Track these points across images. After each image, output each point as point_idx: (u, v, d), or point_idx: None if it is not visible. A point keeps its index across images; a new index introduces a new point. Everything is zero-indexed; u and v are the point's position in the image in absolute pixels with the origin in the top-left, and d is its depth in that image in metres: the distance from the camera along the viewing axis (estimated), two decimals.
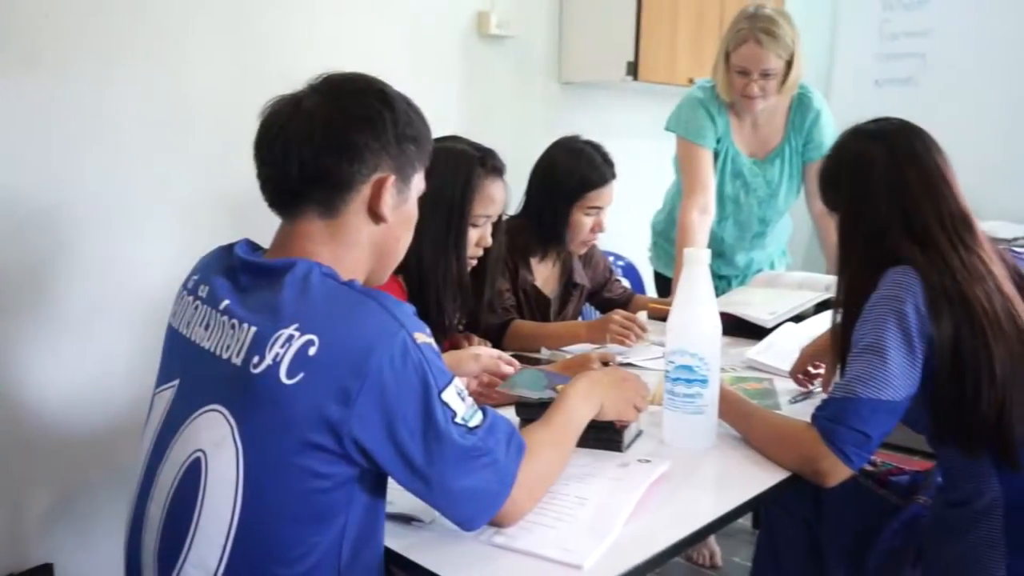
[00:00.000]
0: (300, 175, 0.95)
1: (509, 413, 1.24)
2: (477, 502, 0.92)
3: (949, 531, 1.21)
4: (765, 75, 2.02)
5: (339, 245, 0.97)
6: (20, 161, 1.66)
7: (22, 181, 1.67)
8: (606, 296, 2.19)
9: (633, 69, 2.64)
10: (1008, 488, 1.15)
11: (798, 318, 1.90)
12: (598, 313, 2.17)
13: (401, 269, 1.30)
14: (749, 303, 1.98)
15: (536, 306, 2.00)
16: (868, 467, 1.44)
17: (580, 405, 1.12)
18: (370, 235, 1.00)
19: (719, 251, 2.29)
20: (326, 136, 0.94)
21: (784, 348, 1.72)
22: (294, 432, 0.85)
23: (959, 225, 1.20)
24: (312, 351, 0.85)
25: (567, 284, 2.08)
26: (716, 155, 2.17)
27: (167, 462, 0.93)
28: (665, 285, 2.39)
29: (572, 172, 1.92)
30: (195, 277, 1.03)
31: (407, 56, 2.36)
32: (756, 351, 1.76)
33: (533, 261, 2.00)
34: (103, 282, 1.79)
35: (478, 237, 1.57)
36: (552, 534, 0.97)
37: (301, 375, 0.84)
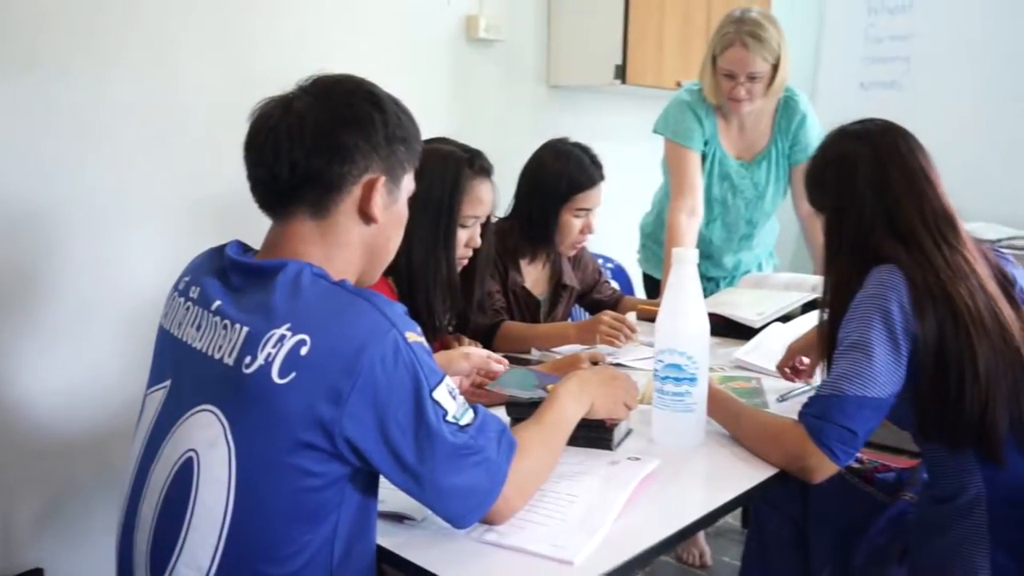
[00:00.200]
0: (291, 176, 0.95)
1: (500, 413, 1.25)
2: (468, 500, 0.93)
3: (934, 527, 1.22)
4: (751, 78, 2.03)
5: (330, 245, 0.98)
6: (12, 162, 1.65)
7: (14, 182, 1.66)
8: (595, 297, 2.20)
9: (621, 72, 2.66)
10: (992, 483, 1.17)
11: (785, 318, 1.91)
12: (587, 314, 2.18)
13: (391, 270, 1.31)
14: (737, 304, 2.00)
15: (526, 307, 2.01)
16: (855, 464, 1.45)
17: (570, 404, 1.13)
18: (361, 236, 1.00)
19: (707, 253, 2.30)
20: (316, 137, 0.95)
21: (772, 348, 1.74)
22: (286, 431, 0.85)
23: (943, 224, 1.22)
24: (304, 351, 0.85)
25: (557, 286, 2.09)
26: (704, 157, 2.19)
27: (159, 462, 0.93)
28: (654, 287, 2.41)
29: (561, 174, 1.93)
30: (186, 278, 1.03)
31: (396, 60, 2.37)
32: (744, 351, 1.77)
33: (523, 263, 2.01)
34: (94, 284, 1.78)
35: (467, 238, 1.58)
36: (543, 531, 0.98)
37: (293, 375, 0.85)
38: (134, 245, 1.84)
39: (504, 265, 1.96)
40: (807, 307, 1.95)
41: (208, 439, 0.89)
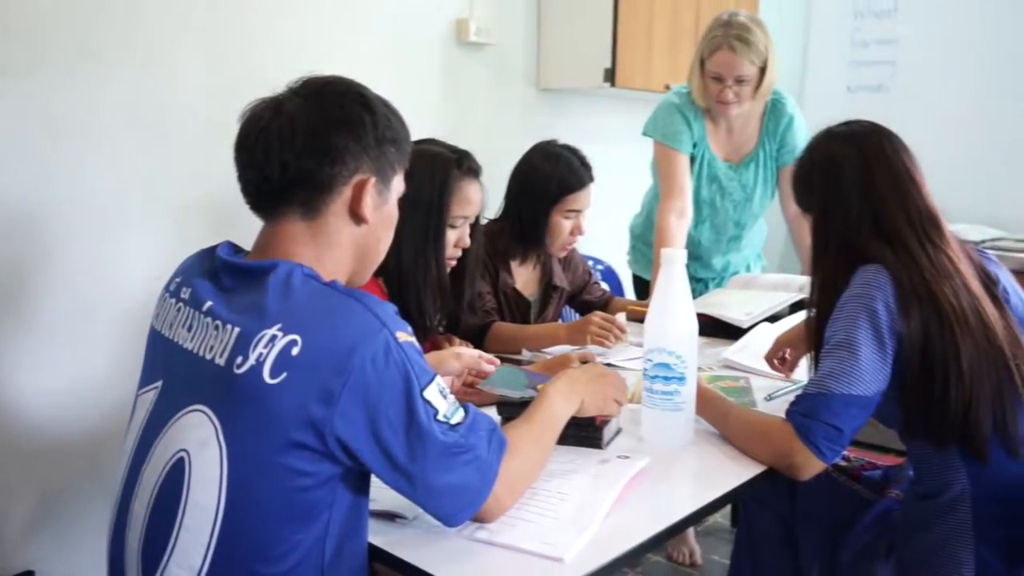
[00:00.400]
0: (281, 177, 0.96)
1: (491, 412, 1.26)
2: (459, 498, 0.94)
3: (920, 523, 1.24)
4: (739, 81, 2.05)
5: (320, 246, 0.98)
6: (7, 163, 1.65)
7: (8, 183, 1.66)
8: (585, 298, 2.21)
9: (610, 76, 2.67)
10: (976, 480, 1.18)
11: (773, 318, 1.93)
12: (578, 315, 2.19)
13: (381, 271, 1.31)
14: (726, 304, 2.01)
15: (516, 308, 2.02)
16: (842, 462, 1.47)
17: (561, 403, 1.14)
18: (351, 236, 1.01)
19: (696, 254, 2.32)
20: (307, 138, 0.95)
21: (760, 348, 1.75)
22: (278, 431, 0.85)
23: (927, 224, 1.24)
24: (295, 351, 0.86)
25: (547, 287, 2.10)
26: (692, 159, 2.20)
27: (151, 462, 0.94)
28: (643, 288, 2.42)
29: (550, 176, 1.94)
30: (177, 279, 1.04)
31: (387, 62, 2.37)
32: (732, 351, 1.79)
33: (513, 264, 2.02)
34: (87, 285, 1.78)
35: (456, 238, 1.59)
36: (533, 529, 0.99)
37: (284, 375, 0.85)
38: (127, 246, 1.83)
39: (495, 266, 1.97)
40: (795, 307, 1.96)
41: (200, 439, 0.89)
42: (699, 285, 2.36)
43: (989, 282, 1.25)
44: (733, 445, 1.28)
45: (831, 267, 1.27)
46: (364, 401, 0.86)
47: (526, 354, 1.84)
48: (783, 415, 1.21)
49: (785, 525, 1.48)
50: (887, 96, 3.54)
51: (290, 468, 0.86)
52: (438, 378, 0.93)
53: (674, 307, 1.26)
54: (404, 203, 1.09)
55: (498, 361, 1.37)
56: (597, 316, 1.84)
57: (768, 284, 2.14)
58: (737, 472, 1.20)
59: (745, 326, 1.90)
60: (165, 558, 0.89)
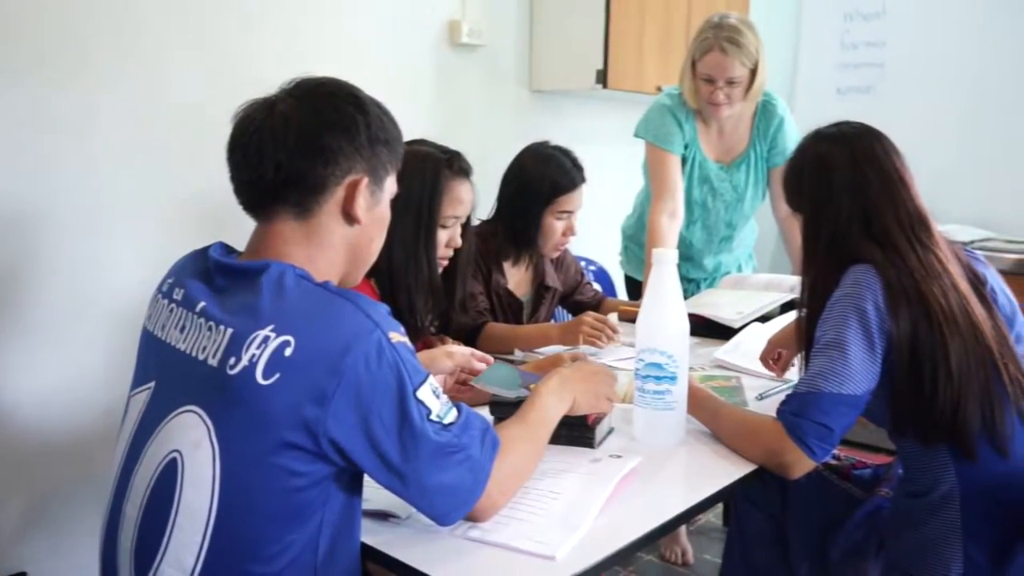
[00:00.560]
0: (275, 177, 0.96)
1: (484, 412, 1.26)
2: (452, 498, 0.94)
3: (909, 521, 1.24)
4: (730, 83, 2.06)
5: (313, 246, 0.99)
6: None
7: None
8: (577, 299, 2.22)
9: (602, 77, 2.68)
10: (964, 478, 1.19)
11: (764, 318, 1.94)
12: (570, 316, 2.20)
13: (372, 272, 1.32)
14: (717, 304, 2.02)
15: (509, 309, 2.02)
16: (832, 461, 1.48)
17: (553, 401, 1.14)
18: (344, 236, 1.01)
19: (688, 255, 2.33)
20: (301, 138, 0.96)
21: (751, 348, 1.76)
22: (271, 432, 0.86)
23: (916, 225, 1.25)
24: (288, 352, 0.86)
25: (539, 287, 2.10)
26: (684, 161, 2.21)
27: (143, 463, 0.94)
28: (636, 288, 2.43)
29: (543, 177, 1.94)
30: (169, 280, 1.04)
31: (379, 64, 2.37)
32: (724, 351, 1.80)
33: (506, 265, 2.02)
34: (77, 286, 1.77)
35: (447, 238, 1.59)
36: (526, 527, 0.99)
37: (277, 376, 0.85)
38: (117, 248, 1.83)
39: (487, 267, 1.97)
40: (786, 307, 1.97)
41: (193, 440, 0.89)
42: (691, 286, 2.37)
43: (977, 282, 1.26)
44: (724, 444, 1.29)
45: (821, 267, 1.28)
46: (357, 402, 0.86)
47: (518, 354, 1.84)
48: (774, 414, 1.22)
49: (776, 523, 1.49)
50: (876, 98, 3.56)
51: (283, 468, 0.87)
52: (431, 378, 0.94)
53: (666, 307, 1.27)
54: (395, 203, 1.09)
55: (491, 359, 1.37)
56: (589, 316, 1.85)
57: (759, 284, 2.15)
58: (728, 471, 1.20)
59: (736, 326, 1.91)
60: (158, 558, 0.89)
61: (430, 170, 1.55)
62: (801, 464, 1.18)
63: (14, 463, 1.71)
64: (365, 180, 1.00)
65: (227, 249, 1.04)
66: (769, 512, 1.49)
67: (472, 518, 0.98)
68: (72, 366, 1.78)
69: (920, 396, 1.17)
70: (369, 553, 0.98)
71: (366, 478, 0.94)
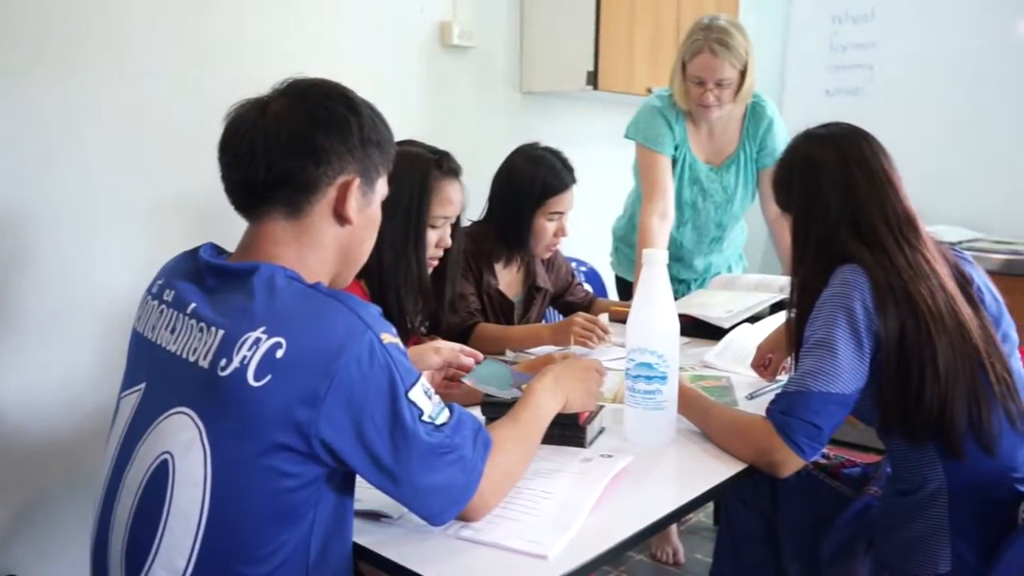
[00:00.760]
0: (266, 177, 0.96)
1: (476, 412, 1.27)
2: (444, 497, 0.94)
3: (897, 518, 1.25)
4: (720, 84, 2.07)
5: (304, 247, 0.99)
6: None
7: None
8: (568, 299, 2.22)
9: (593, 79, 2.69)
10: (952, 476, 1.20)
11: (754, 319, 1.95)
12: (561, 316, 2.20)
13: (362, 273, 1.31)
14: (707, 304, 2.03)
15: (500, 309, 2.03)
16: (822, 460, 1.49)
17: (545, 401, 1.15)
18: (335, 237, 1.01)
19: (678, 255, 2.34)
20: (293, 139, 0.96)
21: (740, 349, 1.77)
22: (262, 434, 0.85)
23: (904, 225, 1.26)
24: (279, 353, 0.86)
25: (530, 288, 2.11)
26: (674, 162, 2.22)
27: (134, 464, 0.93)
28: (626, 289, 2.44)
29: (533, 178, 1.95)
30: (160, 281, 1.03)
31: (371, 65, 2.37)
32: (714, 353, 1.80)
33: (497, 266, 2.03)
34: (66, 286, 1.76)
35: (437, 238, 1.59)
36: (518, 527, 0.99)
37: (268, 377, 0.85)
38: (107, 248, 1.82)
39: (479, 268, 1.97)
40: (775, 308, 1.99)
41: (184, 441, 0.89)
42: (681, 286, 2.38)
43: (964, 282, 1.27)
44: (714, 443, 1.29)
45: (810, 267, 1.29)
46: (349, 403, 0.86)
47: (510, 354, 1.85)
48: (764, 413, 1.23)
49: (766, 522, 1.50)
50: (865, 99, 3.59)
51: (274, 470, 0.86)
52: (423, 379, 0.94)
53: (656, 307, 1.27)
54: (384, 204, 1.09)
55: (480, 355, 1.37)
56: (580, 317, 1.86)
57: (749, 284, 2.16)
58: (719, 470, 1.21)
59: (726, 326, 1.92)
60: (149, 560, 0.88)
61: (419, 170, 1.55)
62: (790, 463, 1.19)
63: (2, 464, 1.70)
64: (357, 181, 1.00)
65: (217, 250, 1.03)
66: (759, 511, 1.50)
67: (464, 518, 0.98)
68: (61, 367, 1.77)
69: (908, 395, 1.18)
70: (361, 553, 0.98)
71: (358, 478, 0.94)
